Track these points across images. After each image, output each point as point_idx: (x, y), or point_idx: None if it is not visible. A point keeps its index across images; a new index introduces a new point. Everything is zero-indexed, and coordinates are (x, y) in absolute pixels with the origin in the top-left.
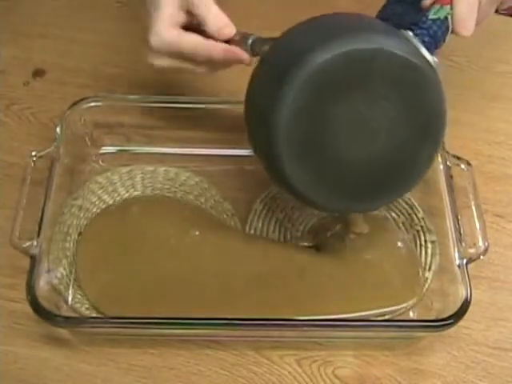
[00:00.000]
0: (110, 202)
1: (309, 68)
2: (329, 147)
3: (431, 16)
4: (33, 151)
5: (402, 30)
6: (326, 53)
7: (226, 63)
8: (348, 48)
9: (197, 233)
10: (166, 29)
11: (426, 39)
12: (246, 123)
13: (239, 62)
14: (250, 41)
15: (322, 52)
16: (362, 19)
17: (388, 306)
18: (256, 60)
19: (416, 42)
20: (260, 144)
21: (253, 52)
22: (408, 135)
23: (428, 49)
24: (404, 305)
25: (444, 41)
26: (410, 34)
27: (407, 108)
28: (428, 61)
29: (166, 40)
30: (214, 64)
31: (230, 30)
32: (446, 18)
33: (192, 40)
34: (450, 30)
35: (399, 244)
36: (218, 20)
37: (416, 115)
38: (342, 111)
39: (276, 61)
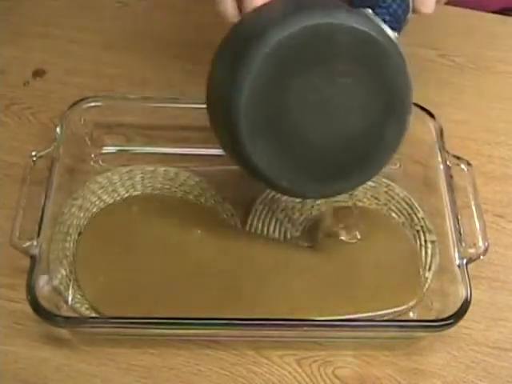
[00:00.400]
0: (110, 202)
1: (267, 45)
2: (290, 126)
3: None
4: (33, 151)
5: (361, 9)
6: (285, 29)
7: None
8: (307, 23)
9: (198, 231)
10: None
11: (387, 18)
12: (206, 104)
13: None
14: None
15: (280, 28)
16: None
17: (388, 308)
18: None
19: (377, 19)
20: (220, 124)
21: None
22: (372, 113)
23: (390, 28)
24: (404, 306)
25: (405, 20)
26: (370, 11)
27: (370, 85)
28: (390, 37)
29: None
30: None
31: None
32: None
33: None
34: (410, 9)
35: (401, 242)
36: None
37: (379, 92)
38: (303, 89)
39: (237, 37)
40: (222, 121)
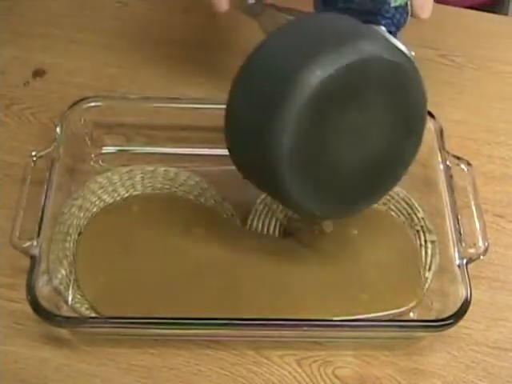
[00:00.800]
0: (110, 202)
1: (306, 91)
2: (328, 161)
3: (393, 4)
4: (33, 151)
5: (374, 26)
6: (321, 72)
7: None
8: (341, 64)
9: (199, 231)
10: None
11: (392, 29)
12: (227, 138)
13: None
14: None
15: (315, 71)
16: (339, 22)
17: (389, 310)
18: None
19: (392, 38)
20: (255, 165)
21: (249, 11)
22: (396, 134)
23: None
24: (405, 308)
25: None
26: (383, 29)
27: (395, 108)
28: (408, 57)
29: None
30: None
31: None
32: (406, 3)
33: None
34: (409, 15)
35: (403, 242)
36: None
37: (402, 113)
38: (339, 124)
39: (264, 79)
40: (258, 162)
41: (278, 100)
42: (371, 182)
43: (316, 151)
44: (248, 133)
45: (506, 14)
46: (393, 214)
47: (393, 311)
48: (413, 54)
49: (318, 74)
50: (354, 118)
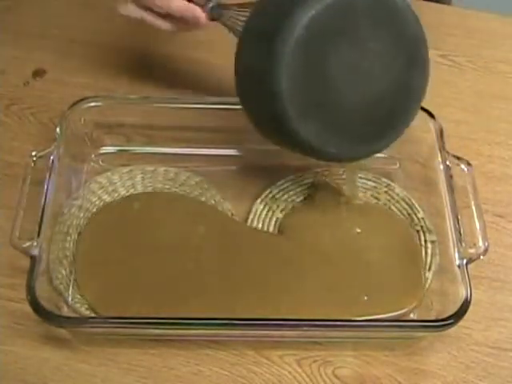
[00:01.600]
0: (110, 202)
1: (298, 28)
2: (330, 96)
3: None
4: (33, 151)
5: None
6: (309, 10)
7: (186, 22)
8: (325, 1)
9: (201, 229)
10: None
11: None
12: (238, 85)
13: (195, 20)
14: (210, 5)
15: (304, 10)
16: None
17: (389, 312)
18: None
19: None
20: (260, 107)
21: (212, 16)
22: (399, 67)
23: None
24: (405, 310)
25: None
26: None
27: (393, 41)
28: None
29: None
30: (175, 21)
31: None
32: None
33: None
34: None
35: (405, 240)
36: None
37: (401, 46)
38: (336, 60)
39: (263, 25)
40: (262, 102)
41: (272, 38)
42: (382, 119)
43: (317, 88)
44: (251, 75)
45: (450, 3)
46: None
47: (393, 313)
48: None
49: (305, 13)
50: (351, 52)
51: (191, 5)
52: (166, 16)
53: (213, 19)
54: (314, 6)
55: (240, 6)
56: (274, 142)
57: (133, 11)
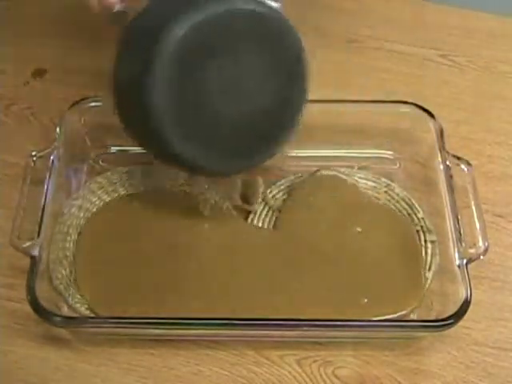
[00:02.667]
0: (109, 201)
1: (170, 45)
2: (206, 112)
3: None
4: (33, 151)
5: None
6: (179, 29)
7: None
8: (197, 18)
9: (201, 228)
10: None
11: None
12: (116, 104)
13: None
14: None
15: (175, 28)
16: None
17: (389, 314)
18: None
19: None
20: (137, 125)
21: (114, 20)
22: (275, 81)
23: None
24: (406, 311)
25: None
26: None
27: (268, 56)
28: (272, 7)
29: None
30: None
31: None
32: None
33: None
34: None
35: (405, 239)
36: None
37: (278, 61)
38: (213, 76)
39: (136, 42)
40: (135, 106)
41: (146, 58)
42: (263, 133)
43: (191, 104)
44: (127, 87)
45: None
46: None
47: (393, 315)
48: (279, 5)
49: (176, 31)
50: (228, 70)
51: None
52: None
53: (115, 23)
54: (190, 21)
55: None
56: (151, 153)
57: None
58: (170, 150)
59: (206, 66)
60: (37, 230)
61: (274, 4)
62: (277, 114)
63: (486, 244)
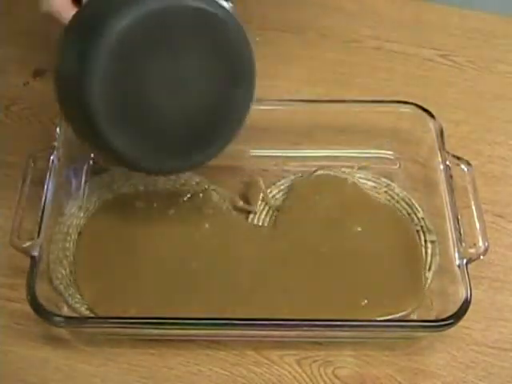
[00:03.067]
0: (109, 200)
1: (108, 39)
2: (146, 107)
3: None
4: (33, 151)
5: None
6: (117, 23)
7: None
8: (139, 12)
9: (201, 227)
10: None
11: None
12: (57, 93)
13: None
14: None
15: (116, 21)
16: None
17: (389, 315)
18: None
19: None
20: (76, 115)
21: None
22: (219, 81)
23: None
24: (406, 312)
25: None
26: None
27: (212, 55)
28: (223, 7)
29: None
30: None
31: None
32: None
33: None
34: None
35: (405, 239)
36: None
37: (222, 60)
38: (152, 73)
39: (77, 32)
40: (75, 101)
41: (85, 52)
42: (203, 133)
43: (130, 99)
44: (67, 82)
45: None
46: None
47: (393, 316)
48: (231, 5)
49: (116, 23)
50: (167, 65)
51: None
52: None
53: None
54: (128, 16)
55: None
56: (92, 148)
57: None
58: (105, 144)
59: (145, 60)
60: (37, 229)
61: (225, 4)
62: (218, 113)
63: (486, 244)
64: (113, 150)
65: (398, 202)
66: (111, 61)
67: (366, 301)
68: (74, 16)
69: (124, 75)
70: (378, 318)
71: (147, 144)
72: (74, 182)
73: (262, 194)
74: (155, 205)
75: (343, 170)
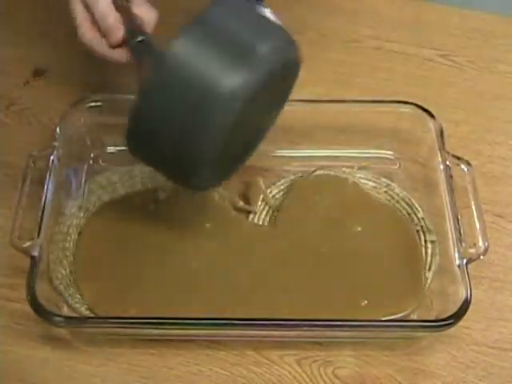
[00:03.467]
0: (109, 200)
1: (227, 113)
2: (234, 145)
3: None
4: (33, 151)
5: (262, 9)
6: (235, 100)
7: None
8: (252, 88)
9: (201, 227)
10: None
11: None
12: (139, 124)
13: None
14: (133, 43)
15: (231, 99)
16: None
17: (389, 316)
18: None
19: (273, 16)
20: (163, 159)
21: (133, 53)
22: (278, 104)
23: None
24: (405, 313)
25: None
26: (268, 10)
27: (282, 85)
28: (288, 35)
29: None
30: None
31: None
32: None
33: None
34: None
35: (405, 238)
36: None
37: (286, 86)
38: (249, 113)
39: (182, 95)
40: (173, 156)
41: (199, 119)
42: (250, 145)
43: (231, 142)
44: (173, 140)
45: None
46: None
47: (393, 316)
48: (270, 10)
49: (231, 102)
50: (257, 108)
51: (115, 52)
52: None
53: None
54: (247, 87)
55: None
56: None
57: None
58: (186, 181)
59: (249, 109)
60: (37, 229)
61: (268, 13)
62: (264, 129)
63: (486, 244)
64: (191, 185)
65: (397, 201)
66: (233, 117)
67: (366, 301)
68: (165, 69)
69: (236, 126)
70: (378, 318)
71: (218, 172)
72: (74, 181)
73: (262, 194)
74: (155, 205)
75: (343, 169)
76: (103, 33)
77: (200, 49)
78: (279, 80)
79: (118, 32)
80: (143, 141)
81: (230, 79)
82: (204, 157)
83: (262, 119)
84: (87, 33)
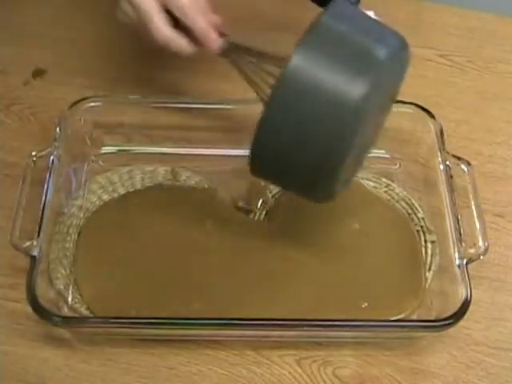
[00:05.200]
0: (109, 200)
1: (359, 120)
2: (359, 149)
3: None
4: (33, 151)
5: (366, 13)
6: (364, 103)
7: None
8: (372, 89)
9: (201, 226)
10: None
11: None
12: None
13: (207, 46)
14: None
15: (362, 104)
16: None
17: (389, 316)
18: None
19: (378, 18)
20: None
21: (222, 53)
22: (387, 106)
23: None
24: (405, 314)
25: None
26: (372, 13)
27: (395, 87)
28: (402, 37)
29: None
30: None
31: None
32: None
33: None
34: None
35: (405, 237)
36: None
37: (396, 89)
38: (367, 120)
39: (313, 106)
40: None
41: (333, 129)
42: (366, 147)
43: (357, 143)
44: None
45: None
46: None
47: (393, 316)
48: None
49: (363, 92)
50: (377, 111)
51: (211, 33)
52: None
53: (222, 55)
54: (364, 101)
55: (248, 51)
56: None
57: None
58: (311, 192)
59: (372, 114)
60: (37, 229)
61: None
62: (377, 133)
63: (486, 244)
64: (314, 197)
65: (397, 202)
66: (363, 122)
67: (366, 303)
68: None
69: (363, 131)
70: (378, 318)
71: (346, 178)
72: (74, 181)
73: (262, 194)
74: (155, 204)
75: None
76: (195, 36)
77: (323, 58)
78: (395, 82)
79: (212, 35)
80: (270, 155)
81: (358, 86)
82: (342, 164)
83: (377, 121)
84: (163, 28)
